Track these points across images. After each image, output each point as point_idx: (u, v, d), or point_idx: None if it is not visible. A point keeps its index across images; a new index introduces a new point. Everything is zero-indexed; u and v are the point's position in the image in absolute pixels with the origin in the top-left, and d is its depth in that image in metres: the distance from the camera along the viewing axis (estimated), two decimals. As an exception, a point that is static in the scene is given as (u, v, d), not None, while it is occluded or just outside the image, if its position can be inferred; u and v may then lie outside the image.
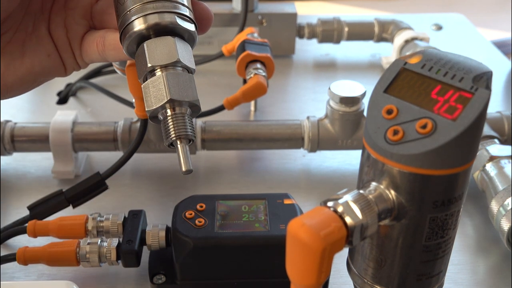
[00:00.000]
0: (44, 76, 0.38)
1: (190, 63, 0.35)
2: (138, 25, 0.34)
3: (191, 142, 0.34)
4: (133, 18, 0.34)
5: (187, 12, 0.35)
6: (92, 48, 0.38)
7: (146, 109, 0.34)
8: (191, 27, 0.35)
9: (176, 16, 0.34)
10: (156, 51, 0.34)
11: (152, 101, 0.34)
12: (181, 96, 0.33)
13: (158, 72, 0.34)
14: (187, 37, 0.36)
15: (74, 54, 0.38)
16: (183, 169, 0.33)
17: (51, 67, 0.38)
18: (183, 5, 0.35)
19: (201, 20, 0.37)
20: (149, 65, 0.34)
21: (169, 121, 0.34)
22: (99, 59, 0.38)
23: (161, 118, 0.34)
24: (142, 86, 0.35)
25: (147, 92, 0.34)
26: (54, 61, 0.38)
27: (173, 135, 0.33)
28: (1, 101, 0.76)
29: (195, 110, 0.35)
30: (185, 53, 0.35)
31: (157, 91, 0.33)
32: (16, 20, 0.36)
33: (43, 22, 0.38)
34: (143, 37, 0.35)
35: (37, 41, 0.37)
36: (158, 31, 0.34)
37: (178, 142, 0.34)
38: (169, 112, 0.34)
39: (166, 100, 0.33)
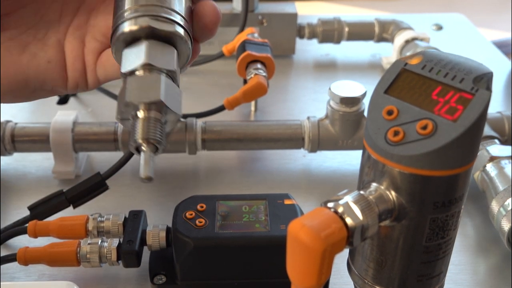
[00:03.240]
0: (39, 83, 0.36)
1: (163, 63, 0.33)
2: (120, 30, 0.34)
3: (158, 151, 0.32)
4: (116, 24, 0.34)
5: (167, 13, 0.34)
6: (110, 63, 0.36)
7: (129, 99, 0.32)
8: (169, 27, 0.33)
9: (151, 19, 0.33)
10: (130, 57, 0.33)
11: (140, 95, 0.32)
12: (139, 97, 0.32)
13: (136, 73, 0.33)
14: (167, 39, 0.34)
15: (85, 70, 0.37)
16: (143, 175, 0.31)
17: (47, 75, 0.36)
18: (164, 7, 0.34)
19: (204, 18, 0.36)
20: (122, 71, 0.33)
21: (141, 122, 0.32)
22: (115, 76, 0.37)
23: (131, 118, 0.32)
24: (128, 77, 0.33)
25: (132, 83, 0.33)
26: (53, 69, 0.36)
27: (141, 136, 0.31)
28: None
29: (173, 121, 0.33)
30: (155, 53, 0.33)
31: (147, 87, 0.32)
32: (27, 23, 0.36)
33: (56, 34, 0.37)
34: (127, 42, 0.34)
35: (41, 46, 0.36)
36: (136, 37, 0.34)
37: (145, 146, 0.31)
38: (144, 114, 0.32)
39: (155, 100, 0.31)
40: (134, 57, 0.33)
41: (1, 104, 0.38)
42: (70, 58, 0.37)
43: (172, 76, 0.34)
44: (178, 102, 0.33)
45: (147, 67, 0.33)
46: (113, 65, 0.36)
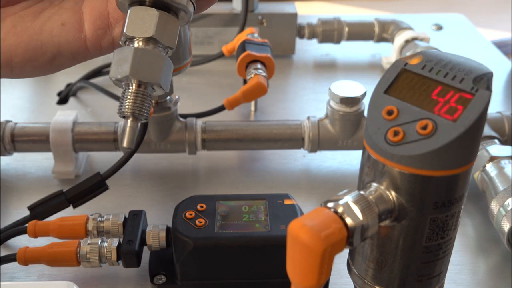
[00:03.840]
0: (55, 47, 0.35)
1: (142, 33, 0.34)
2: None
3: (142, 121, 0.35)
4: None
5: None
6: None
7: (109, 74, 0.34)
8: None
9: None
10: (134, 20, 0.34)
11: (117, 71, 0.33)
12: (141, 76, 0.33)
13: (138, 42, 0.34)
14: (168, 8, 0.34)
15: (110, 26, 0.36)
16: (125, 145, 0.34)
17: (62, 37, 0.35)
18: None
19: None
20: (125, 32, 0.34)
21: (129, 96, 0.34)
22: None
23: (124, 87, 0.34)
24: (115, 49, 0.34)
25: (116, 57, 0.34)
26: (68, 32, 0.35)
27: (128, 111, 0.34)
28: (2, 101, 0.76)
29: (160, 90, 0.35)
30: (135, 22, 0.34)
31: (123, 62, 0.33)
32: None
33: None
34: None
35: (57, 10, 0.35)
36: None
37: (130, 119, 0.34)
38: (134, 87, 0.34)
39: (125, 75, 0.33)
40: (140, 26, 0.34)
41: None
42: (91, 17, 0.36)
43: (154, 42, 0.34)
44: (156, 70, 0.34)
45: (127, 37, 0.34)
46: None
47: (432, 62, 0.32)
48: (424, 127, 0.30)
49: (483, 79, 0.30)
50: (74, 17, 0.35)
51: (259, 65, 0.61)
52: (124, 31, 0.33)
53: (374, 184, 0.32)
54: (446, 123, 0.29)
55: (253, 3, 0.81)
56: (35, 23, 0.35)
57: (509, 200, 0.48)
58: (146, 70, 0.33)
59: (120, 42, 0.35)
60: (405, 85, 0.32)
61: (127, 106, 0.34)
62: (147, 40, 0.34)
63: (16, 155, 0.61)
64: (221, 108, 0.61)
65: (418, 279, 0.34)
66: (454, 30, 0.98)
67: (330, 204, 0.30)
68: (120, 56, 0.33)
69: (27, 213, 0.49)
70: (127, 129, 0.34)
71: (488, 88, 0.30)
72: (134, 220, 0.46)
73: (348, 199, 0.30)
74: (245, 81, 0.62)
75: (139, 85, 0.34)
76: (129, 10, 0.34)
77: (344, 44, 0.88)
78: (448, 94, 0.30)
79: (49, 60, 0.36)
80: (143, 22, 0.34)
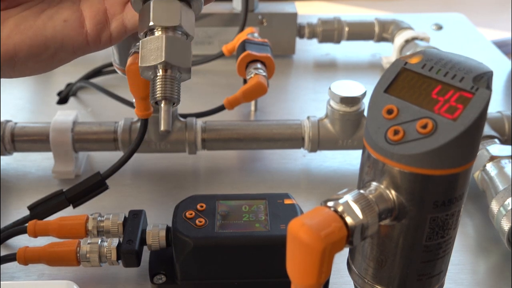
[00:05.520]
0: (58, 43, 0.37)
1: (169, 22, 0.36)
2: None
3: (175, 104, 0.36)
4: None
5: None
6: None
7: (139, 64, 0.36)
8: None
9: None
10: (159, 11, 0.36)
11: (150, 59, 0.36)
12: (174, 61, 0.35)
13: (158, 32, 0.36)
14: None
15: (108, 21, 0.38)
16: (162, 128, 0.36)
17: (65, 33, 0.37)
18: None
19: None
20: (151, 23, 0.35)
21: (158, 81, 0.36)
22: None
23: (152, 76, 0.36)
24: (141, 40, 0.36)
25: (145, 47, 0.36)
26: (70, 28, 0.37)
27: (159, 95, 0.36)
28: (2, 101, 0.76)
29: (186, 74, 0.37)
30: (160, 13, 0.36)
31: (155, 50, 0.35)
32: None
33: None
34: None
35: (56, 9, 0.37)
36: None
37: (163, 102, 0.36)
38: (160, 72, 0.36)
39: (161, 61, 0.35)
40: (167, 15, 0.36)
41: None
42: (90, 13, 0.37)
43: (179, 30, 0.36)
44: (185, 55, 0.36)
45: (151, 29, 0.36)
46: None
47: (432, 61, 0.32)
48: (424, 126, 0.30)
49: (483, 78, 0.30)
50: (74, 14, 0.37)
51: (259, 65, 0.61)
52: (151, 22, 0.35)
53: (374, 183, 0.32)
54: (446, 122, 0.29)
55: (253, 3, 0.81)
56: (38, 21, 0.36)
57: (509, 200, 0.48)
58: (178, 56, 0.36)
59: (139, 36, 0.37)
60: (405, 84, 0.32)
61: (158, 91, 0.35)
62: (167, 29, 0.36)
63: (16, 155, 0.61)
64: (221, 108, 0.61)
65: (418, 278, 0.34)
66: (454, 30, 0.98)
67: (330, 203, 0.30)
68: (150, 45, 0.35)
69: (27, 213, 0.49)
70: (162, 113, 0.36)
71: (488, 87, 0.30)
72: (134, 219, 0.46)
73: (348, 198, 0.30)
74: (245, 81, 0.62)
75: (165, 70, 0.36)
76: (151, 3, 0.36)
77: (344, 44, 0.88)
78: (448, 93, 0.30)
79: (51, 55, 0.37)
80: (168, 12, 0.36)
